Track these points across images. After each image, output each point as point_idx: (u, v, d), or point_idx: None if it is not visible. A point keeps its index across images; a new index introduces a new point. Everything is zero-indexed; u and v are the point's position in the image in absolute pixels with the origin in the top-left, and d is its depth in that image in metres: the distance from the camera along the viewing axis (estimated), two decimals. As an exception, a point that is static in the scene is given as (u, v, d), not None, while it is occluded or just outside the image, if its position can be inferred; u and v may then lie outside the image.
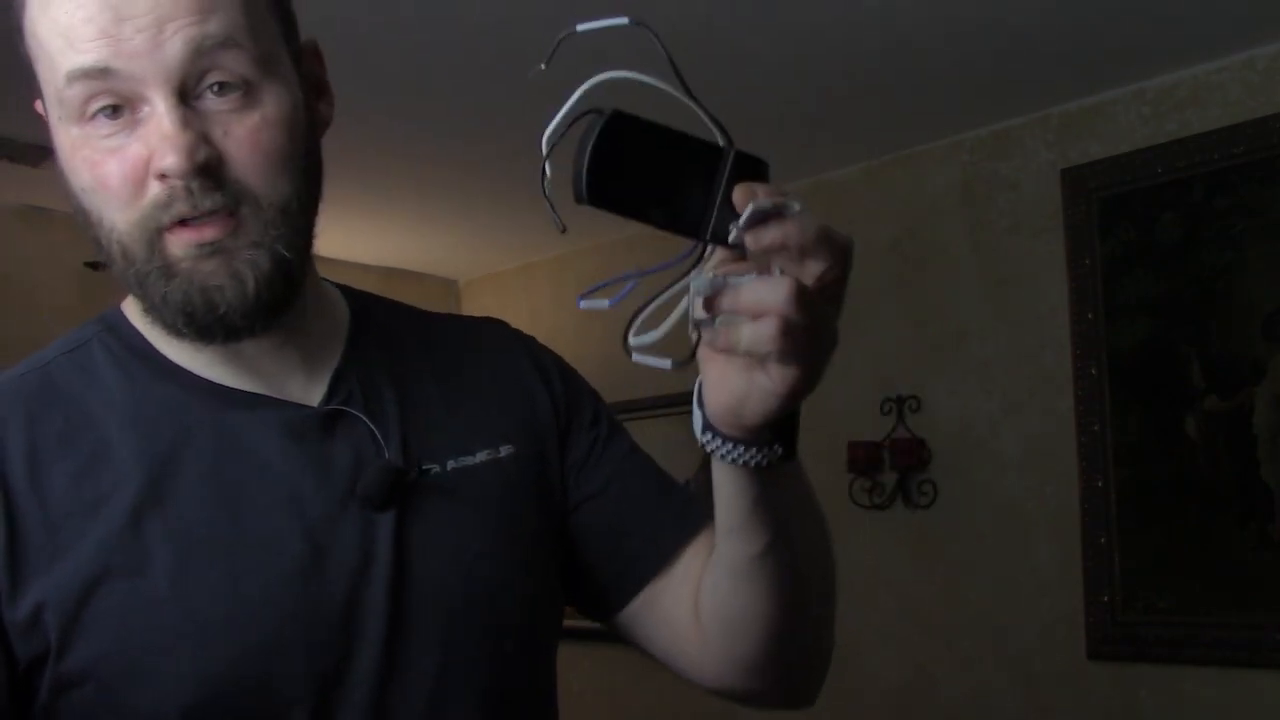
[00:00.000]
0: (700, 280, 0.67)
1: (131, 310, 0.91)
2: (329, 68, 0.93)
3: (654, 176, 0.67)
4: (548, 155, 0.67)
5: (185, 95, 0.79)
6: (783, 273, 0.67)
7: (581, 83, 0.70)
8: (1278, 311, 2.63)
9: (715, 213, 0.68)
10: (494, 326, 1.06)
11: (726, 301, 0.67)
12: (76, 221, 0.85)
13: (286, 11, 0.87)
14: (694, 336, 0.70)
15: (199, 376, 0.89)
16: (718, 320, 0.68)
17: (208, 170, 0.79)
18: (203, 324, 0.82)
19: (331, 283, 1.00)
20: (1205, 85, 2.80)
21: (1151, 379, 2.80)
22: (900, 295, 3.35)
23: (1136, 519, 2.79)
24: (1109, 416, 2.86)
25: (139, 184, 0.80)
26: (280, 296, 0.83)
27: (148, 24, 0.77)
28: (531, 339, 1.07)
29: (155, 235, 0.80)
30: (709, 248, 0.69)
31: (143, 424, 0.86)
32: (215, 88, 0.80)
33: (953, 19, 2.58)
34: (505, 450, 0.96)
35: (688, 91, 0.70)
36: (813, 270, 0.68)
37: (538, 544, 0.96)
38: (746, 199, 0.67)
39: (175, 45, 0.78)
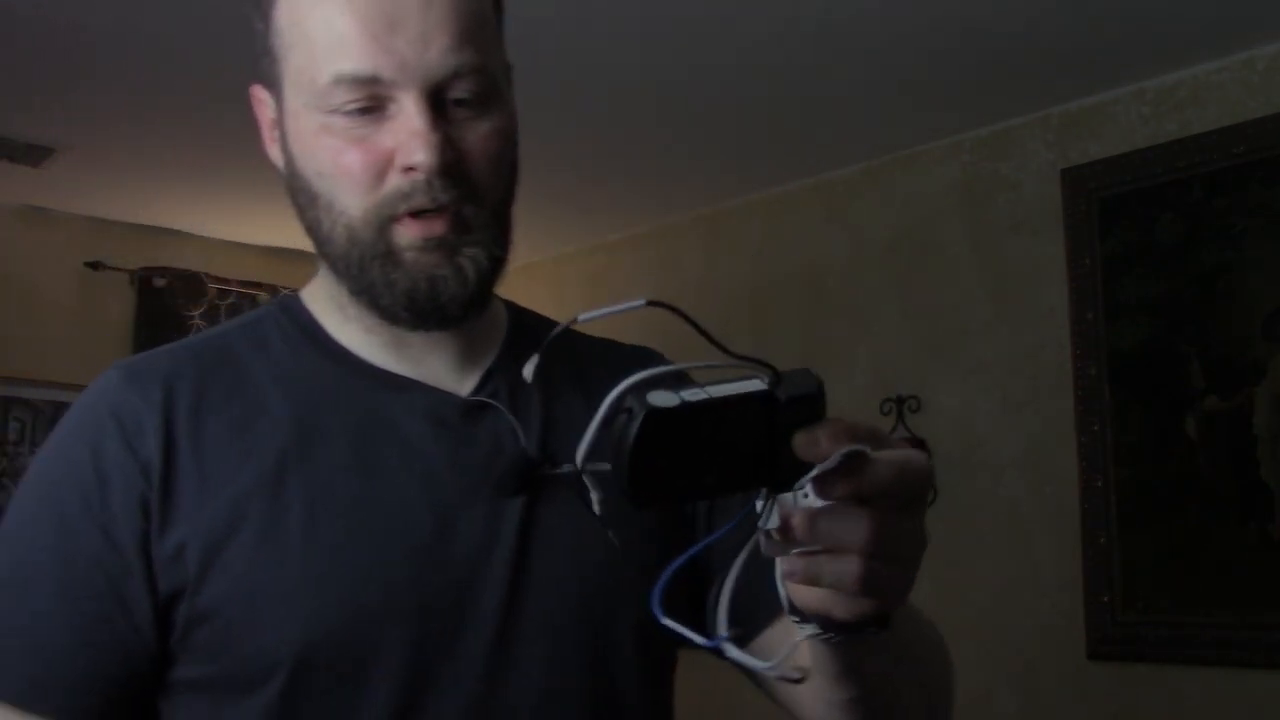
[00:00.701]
0: (771, 520, 0.63)
1: (308, 295, 0.99)
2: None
3: (701, 451, 0.62)
4: (581, 471, 0.63)
5: (435, 100, 0.86)
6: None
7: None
8: (1278, 311, 2.63)
9: (780, 468, 0.63)
10: (646, 354, 1.08)
11: (800, 531, 0.63)
12: (294, 201, 0.92)
13: (502, 37, 0.95)
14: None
15: (359, 358, 0.95)
16: (793, 550, 0.64)
17: (449, 169, 0.86)
18: (423, 310, 0.88)
19: (499, 298, 1.04)
20: (1205, 85, 2.80)
21: (1151, 379, 2.80)
22: (900, 295, 3.35)
23: (1136, 519, 2.79)
24: (1109, 416, 2.86)
25: (380, 174, 0.86)
26: (488, 291, 0.91)
27: (416, 36, 0.85)
28: (683, 371, 1.06)
29: (386, 223, 0.87)
30: (774, 498, 0.64)
31: (300, 392, 0.92)
32: (456, 99, 0.87)
33: (953, 19, 2.58)
34: None
35: (725, 350, 0.63)
36: (890, 503, 0.63)
37: (662, 560, 0.96)
38: (810, 454, 0.62)
39: (436, 61, 0.85)
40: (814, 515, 0.63)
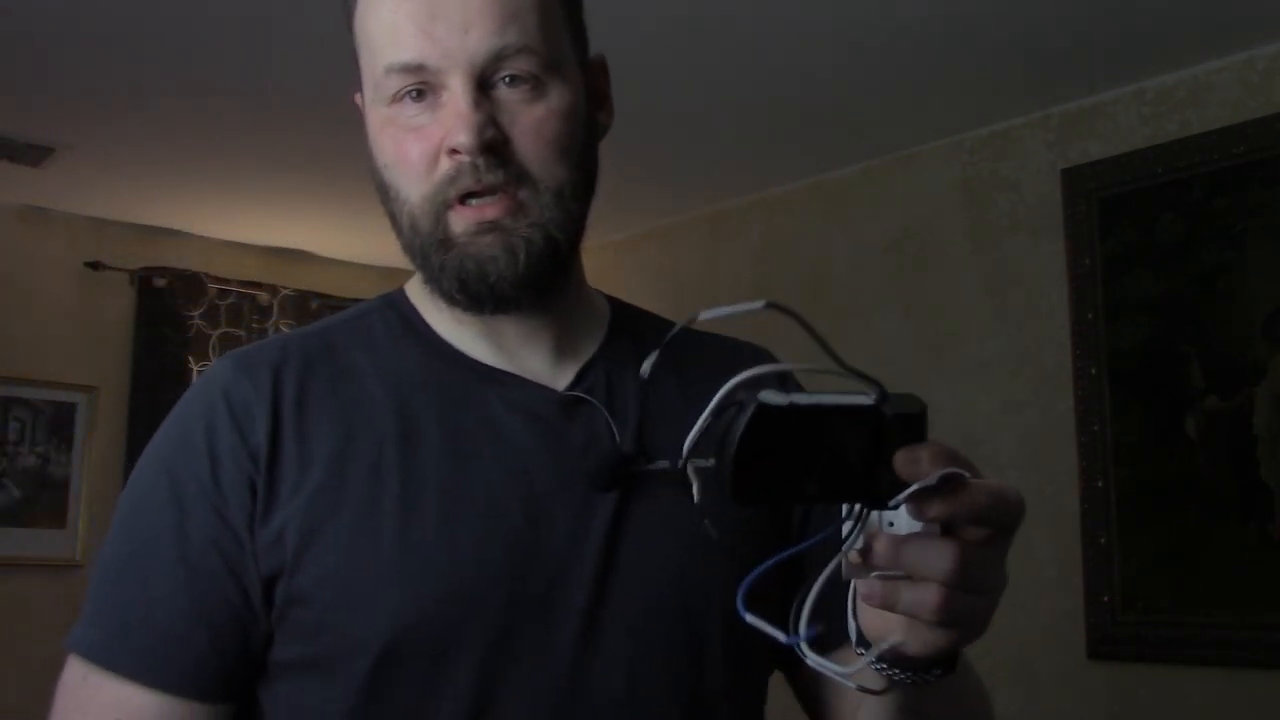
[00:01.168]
0: (856, 543, 0.64)
1: (410, 288, 1.01)
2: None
3: (803, 456, 0.62)
4: (685, 461, 0.64)
5: (481, 84, 0.88)
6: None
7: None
8: (1278, 311, 2.63)
9: (878, 482, 0.63)
10: (753, 350, 1.07)
11: (883, 556, 0.64)
12: (378, 197, 0.93)
13: (578, 26, 0.97)
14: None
15: (459, 351, 0.96)
16: (874, 572, 0.64)
17: (493, 148, 0.87)
18: (474, 291, 0.90)
19: (602, 293, 1.06)
20: (1205, 85, 2.80)
21: (1151, 379, 2.80)
22: (900, 295, 3.35)
23: (1136, 519, 2.79)
24: (1109, 416, 2.86)
25: (433, 160, 0.88)
26: (547, 274, 0.91)
27: (457, 24, 0.87)
28: (789, 371, 1.06)
29: (442, 209, 0.89)
30: (865, 515, 0.65)
31: (401, 384, 0.94)
32: (507, 80, 0.88)
33: (953, 18, 2.58)
34: None
35: (835, 358, 0.64)
36: (979, 534, 0.64)
37: (758, 563, 0.95)
38: (910, 471, 0.63)
39: (477, 45, 0.87)
40: (898, 540, 0.63)
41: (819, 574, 0.66)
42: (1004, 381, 3.10)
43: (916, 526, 0.65)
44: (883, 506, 0.64)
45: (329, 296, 4.35)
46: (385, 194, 0.92)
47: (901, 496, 0.63)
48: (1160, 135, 2.85)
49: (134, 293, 4.12)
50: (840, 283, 3.52)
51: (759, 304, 0.62)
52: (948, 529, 0.65)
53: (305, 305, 4.33)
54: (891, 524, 0.65)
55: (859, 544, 0.64)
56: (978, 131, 3.21)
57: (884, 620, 0.69)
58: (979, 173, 3.22)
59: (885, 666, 0.72)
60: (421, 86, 0.88)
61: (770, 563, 0.67)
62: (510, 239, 0.88)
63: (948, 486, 0.63)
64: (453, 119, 0.87)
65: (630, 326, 1.03)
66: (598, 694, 0.88)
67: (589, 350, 0.99)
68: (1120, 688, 2.81)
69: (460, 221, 0.88)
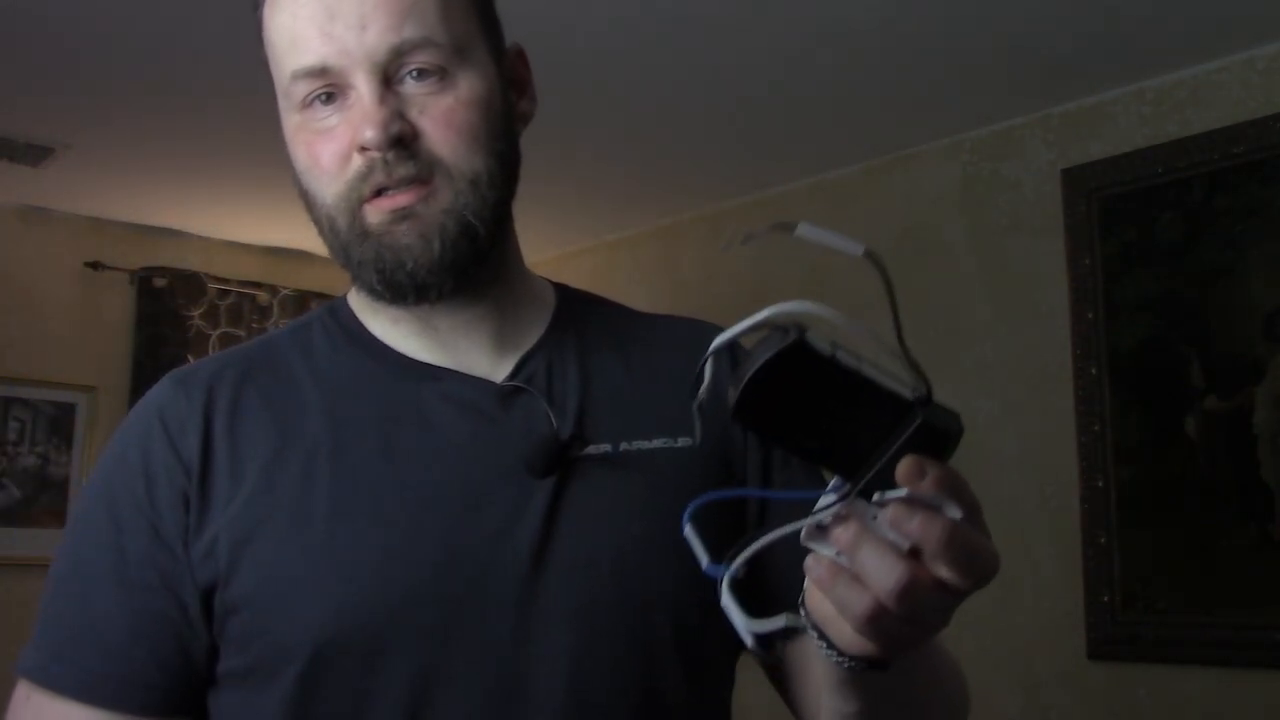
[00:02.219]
0: (825, 515, 0.62)
1: (353, 297, 1.01)
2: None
3: (819, 412, 0.60)
4: (705, 361, 0.61)
5: (387, 80, 0.88)
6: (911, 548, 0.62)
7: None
8: (1278, 311, 2.63)
9: (876, 471, 0.60)
10: (698, 326, 1.07)
11: (841, 542, 0.62)
12: (302, 204, 0.93)
13: (489, 15, 0.96)
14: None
15: (395, 351, 0.97)
16: (824, 548, 0.63)
17: (401, 142, 0.87)
18: (393, 281, 0.89)
19: (549, 281, 1.06)
20: (1205, 85, 2.80)
21: (1151, 379, 2.80)
22: (900, 295, 3.34)
23: (1136, 519, 2.79)
24: (1109, 416, 2.86)
25: (345, 160, 0.89)
26: (465, 259, 0.90)
27: (354, 22, 0.87)
28: (737, 343, 1.05)
29: (356, 205, 0.89)
30: (852, 495, 0.62)
31: (337, 389, 0.94)
32: (414, 74, 0.88)
33: (953, 19, 2.58)
34: (683, 441, 0.95)
35: (900, 339, 0.62)
36: (942, 573, 0.62)
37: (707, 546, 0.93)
38: (908, 480, 0.60)
39: (376, 42, 0.87)
40: (861, 535, 0.61)
41: (779, 524, 0.65)
42: (1004, 381, 3.11)
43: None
44: (866, 496, 0.62)
45: (329, 296, 4.35)
46: (306, 198, 0.93)
47: (887, 495, 0.61)
48: (1160, 135, 2.85)
49: (134, 293, 4.12)
50: (840, 282, 3.51)
51: (859, 249, 0.60)
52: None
53: (305, 305, 4.33)
54: (875, 517, 0.62)
55: (829, 517, 0.62)
56: (978, 131, 3.21)
57: (817, 600, 0.68)
58: (979, 173, 3.22)
59: (814, 638, 0.70)
60: (330, 89, 0.88)
61: (730, 494, 0.65)
62: (424, 226, 0.88)
63: (934, 512, 0.60)
64: (359, 117, 0.87)
65: (576, 316, 1.02)
66: (537, 691, 0.86)
67: (531, 340, 0.98)
68: (1120, 688, 2.81)
69: (375, 213, 0.88)
